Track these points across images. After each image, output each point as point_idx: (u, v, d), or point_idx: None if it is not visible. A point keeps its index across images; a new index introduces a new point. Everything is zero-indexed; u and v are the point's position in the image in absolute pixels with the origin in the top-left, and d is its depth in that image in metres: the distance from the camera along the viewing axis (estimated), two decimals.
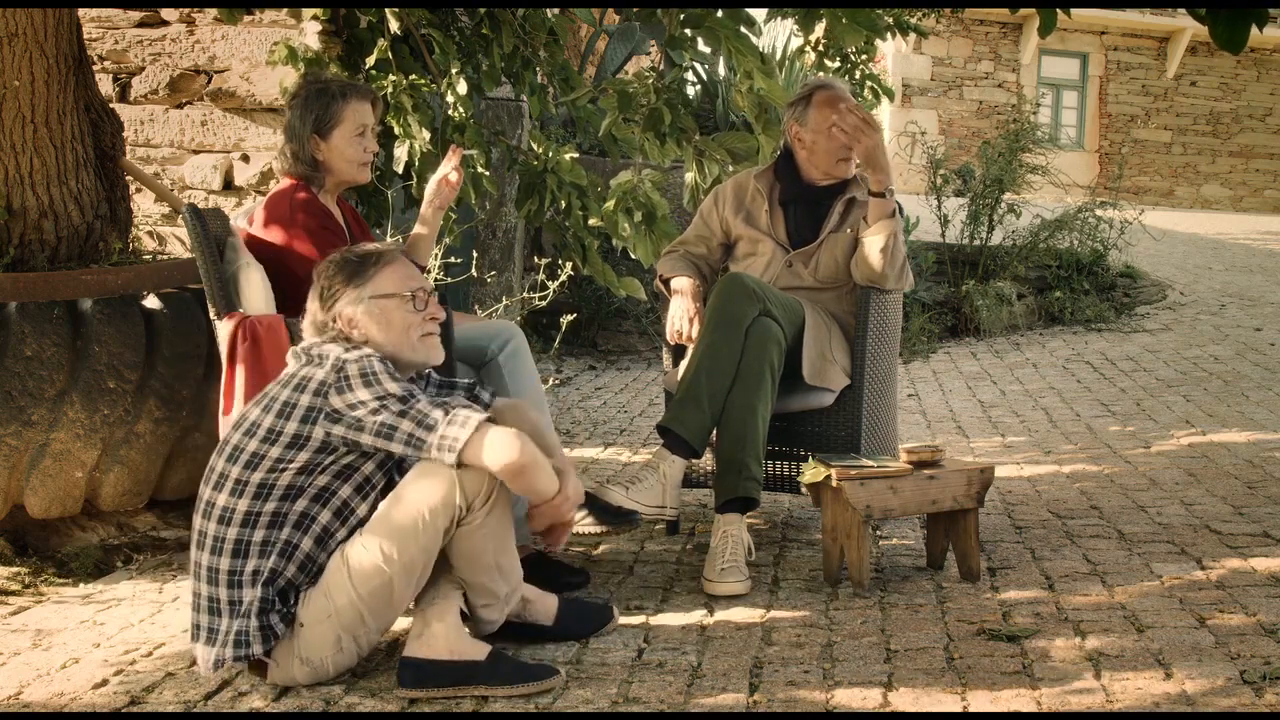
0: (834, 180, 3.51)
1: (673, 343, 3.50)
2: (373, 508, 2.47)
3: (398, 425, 2.34)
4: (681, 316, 3.42)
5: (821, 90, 3.51)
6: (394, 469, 2.54)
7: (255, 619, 2.37)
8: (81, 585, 3.27)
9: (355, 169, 3.19)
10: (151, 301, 3.42)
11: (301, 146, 3.13)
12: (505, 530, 2.48)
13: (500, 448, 2.34)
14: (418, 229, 3.36)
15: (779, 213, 3.54)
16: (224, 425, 3.00)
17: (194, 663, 2.48)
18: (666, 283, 3.56)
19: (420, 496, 2.36)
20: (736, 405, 3.13)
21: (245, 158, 5.39)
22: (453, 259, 5.56)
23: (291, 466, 2.38)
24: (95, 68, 4.45)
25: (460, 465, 2.34)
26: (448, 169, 3.27)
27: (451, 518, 2.38)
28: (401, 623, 2.64)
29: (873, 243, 3.32)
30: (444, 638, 2.41)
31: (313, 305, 2.55)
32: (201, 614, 2.43)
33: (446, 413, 2.35)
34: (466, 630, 2.49)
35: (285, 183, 3.19)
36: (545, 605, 2.68)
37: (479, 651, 2.42)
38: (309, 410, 2.37)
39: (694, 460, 3.24)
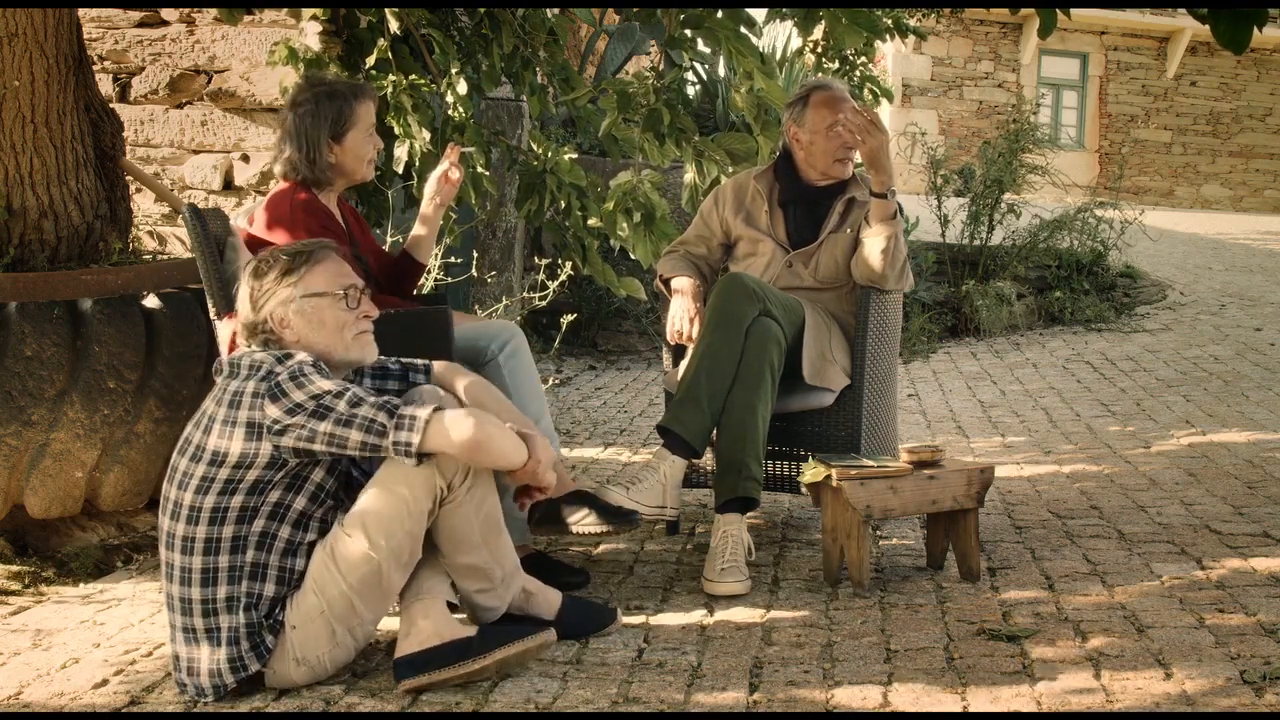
0: (832, 180, 3.51)
1: (673, 343, 3.50)
2: (330, 510, 2.47)
3: (348, 436, 2.32)
4: (682, 316, 3.42)
5: (819, 91, 3.51)
6: (350, 467, 2.53)
7: (245, 642, 2.37)
8: (81, 585, 3.27)
9: (365, 168, 3.20)
10: (151, 301, 3.42)
11: (315, 150, 3.10)
12: (491, 509, 2.49)
13: (453, 431, 2.32)
14: (418, 228, 3.36)
15: (779, 213, 3.54)
16: None
17: (184, 690, 2.42)
18: (667, 283, 3.56)
19: (400, 481, 2.37)
20: (736, 405, 3.13)
21: (245, 158, 5.39)
22: (453, 259, 5.56)
23: (241, 487, 2.36)
24: (95, 68, 4.45)
25: (421, 462, 2.35)
26: (447, 165, 3.28)
27: (434, 498, 2.39)
28: (394, 624, 2.64)
29: (873, 243, 3.32)
30: (432, 629, 2.42)
31: (243, 306, 2.50)
32: (180, 645, 2.41)
33: (392, 415, 2.32)
34: (455, 619, 2.50)
35: (285, 183, 3.18)
36: (547, 599, 2.68)
37: (469, 631, 2.44)
38: (250, 426, 2.34)
39: (694, 460, 3.24)
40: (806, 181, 3.53)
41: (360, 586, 2.39)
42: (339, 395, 2.33)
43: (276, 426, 2.32)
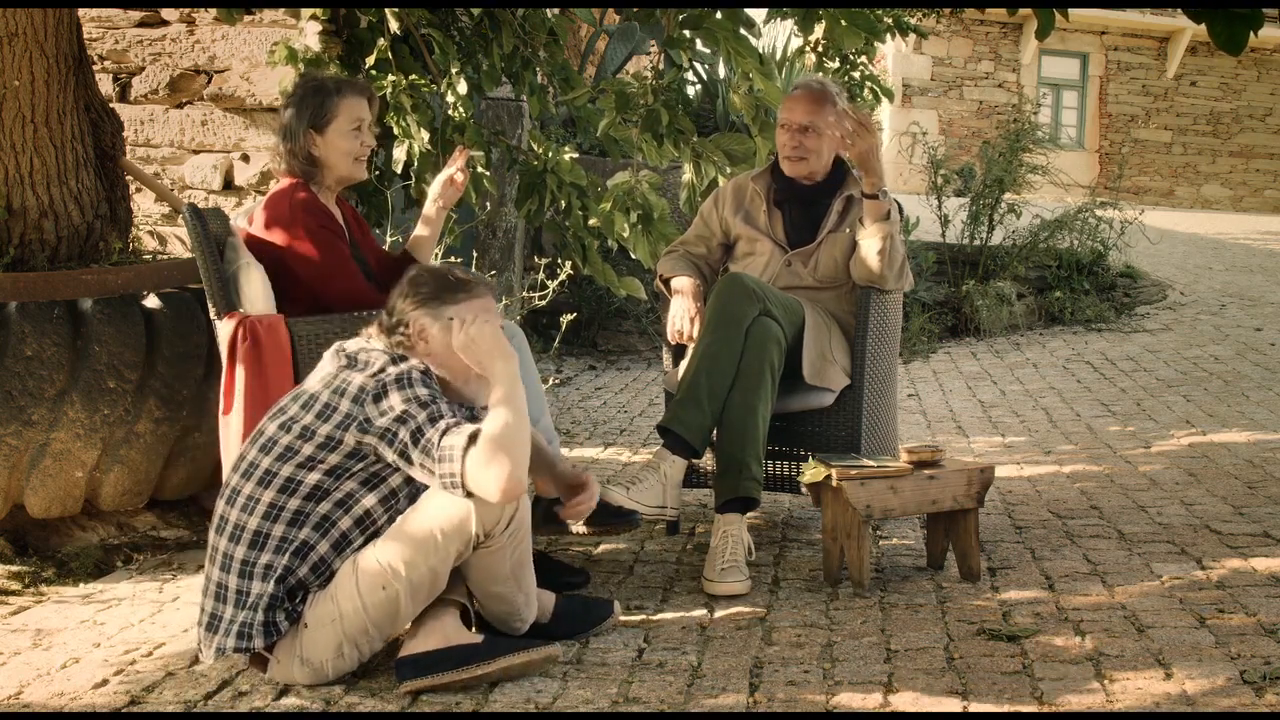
0: (804, 178, 3.49)
1: (673, 343, 3.50)
2: (393, 522, 2.47)
3: (411, 456, 2.33)
4: (682, 316, 3.42)
5: (792, 90, 3.51)
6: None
7: (261, 613, 2.38)
8: (81, 585, 3.26)
9: (351, 164, 3.17)
10: (151, 301, 3.42)
11: (298, 142, 3.12)
12: (525, 549, 2.51)
13: (489, 478, 2.28)
14: (420, 229, 3.36)
15: (776, 212, 3.54)
16: (224, 425, 3.01)
17: (197, 655, 2.48)
18: (667, 283, 3.56)
19: (436, 515, 2.37)
20: (737, 405, 3.13)
21: (245, 158, 5.39)
22: (453, 259, 5.56)
23: (321, 466, 2.40)
24: (95, 68, 4.45)
25: (471, 495, 2.33)
26: (453, 169, 3.28)
27: (466, 543, 2.39)
28: None
29: (870, 245, 3.32)
30: (440, 632, 2.43)
31: (394, 302, 2.53)
32: (209, 599, 2.45)
33: (438, 443, 2.31)
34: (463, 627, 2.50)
35: (285, 183, 3.19)
36: (542, 602, 2.68)
37: (476, 638, 2.45)
38: (346, 416, 2.38)
39: (694, 460, 3.24)
40: (797, 180, 3.52)
41: (374, 610, 2.39)
42: (424, 405, 2.34)
43: (368, 425, 2.36)
